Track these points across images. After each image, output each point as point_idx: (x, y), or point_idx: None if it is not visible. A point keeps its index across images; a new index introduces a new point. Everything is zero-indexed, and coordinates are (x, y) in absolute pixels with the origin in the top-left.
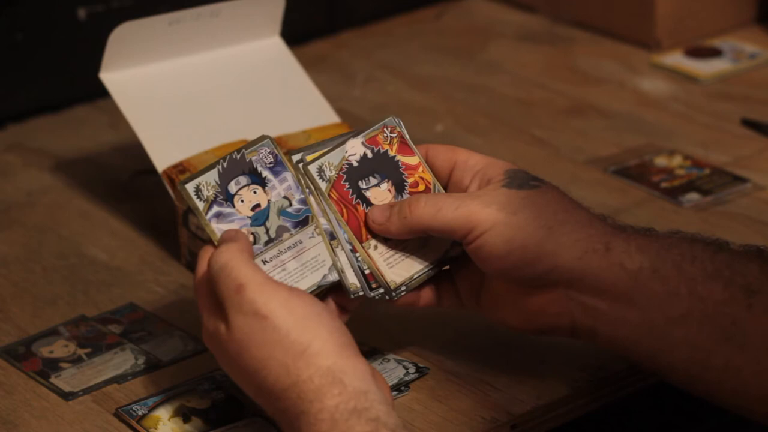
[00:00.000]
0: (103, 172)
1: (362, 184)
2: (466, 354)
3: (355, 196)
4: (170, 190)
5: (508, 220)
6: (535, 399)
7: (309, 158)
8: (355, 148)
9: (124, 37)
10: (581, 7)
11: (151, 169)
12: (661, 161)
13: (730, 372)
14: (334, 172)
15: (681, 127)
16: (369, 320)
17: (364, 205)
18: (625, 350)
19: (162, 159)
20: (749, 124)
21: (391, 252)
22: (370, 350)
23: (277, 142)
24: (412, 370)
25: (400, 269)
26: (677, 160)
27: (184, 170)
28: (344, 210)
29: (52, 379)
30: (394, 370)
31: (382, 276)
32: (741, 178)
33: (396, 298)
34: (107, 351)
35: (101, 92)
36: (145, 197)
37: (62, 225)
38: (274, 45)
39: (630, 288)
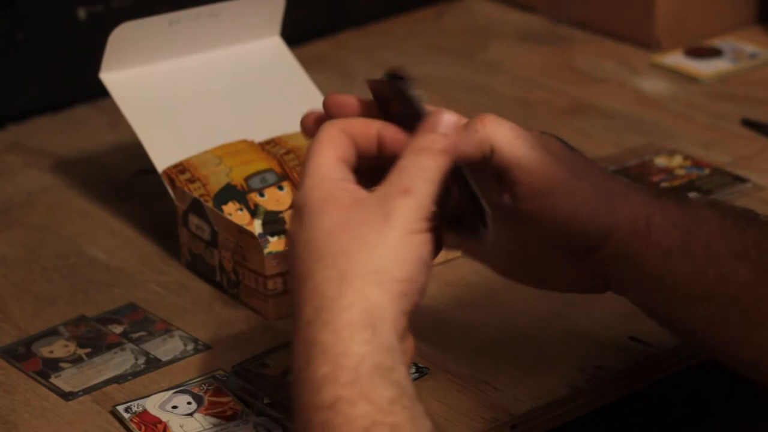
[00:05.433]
0: (103, 172)
1: None
2: (466, 354)
3: None
4: (170, 190)
5: (578, 184)
6: (535, 399)
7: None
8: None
9: (124, 37)
10: (581, 7)
11: (151, 169)
12: (661, 161)
13: (749, 346)
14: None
15: (681, 127)
16: None
17: None
18: (648, 313)
19: (162, 159)
20: (749, 124)
21: None
22: None
23: (277, 142)
24: (412, 370)
25: None
26: (677, 160)
27: (184, 170)
28: None
29: (52, 379)
30: None
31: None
32: (741, 178)
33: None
34: (107, 351)
35: (101, 92)
36: (145, 197)
37: (62, 225)
38: (274, 45)
39: (661, 266)
